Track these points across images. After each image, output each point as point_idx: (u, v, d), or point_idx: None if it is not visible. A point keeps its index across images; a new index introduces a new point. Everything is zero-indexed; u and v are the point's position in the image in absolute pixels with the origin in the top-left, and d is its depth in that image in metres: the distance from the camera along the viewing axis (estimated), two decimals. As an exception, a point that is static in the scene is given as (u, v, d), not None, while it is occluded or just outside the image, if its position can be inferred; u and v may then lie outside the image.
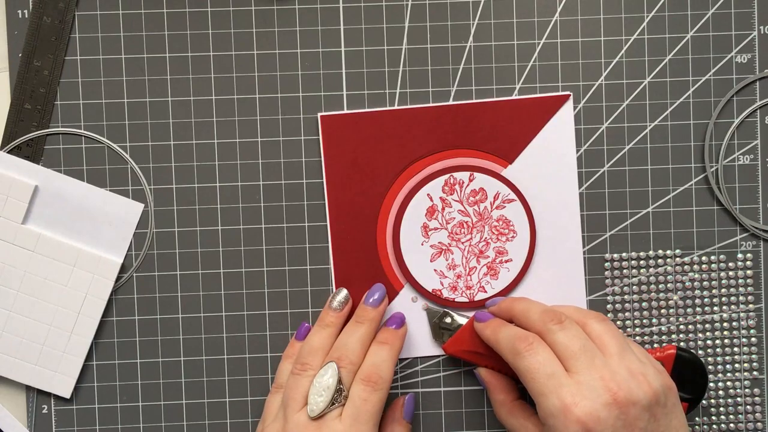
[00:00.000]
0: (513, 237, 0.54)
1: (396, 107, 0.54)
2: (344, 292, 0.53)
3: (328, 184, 0.54)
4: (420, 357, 0.55)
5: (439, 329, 0.54)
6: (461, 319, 0.54)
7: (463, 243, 0.54)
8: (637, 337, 0.55)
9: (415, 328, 0.55)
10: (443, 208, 0.54)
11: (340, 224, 0.54)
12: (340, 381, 0.48)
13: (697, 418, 0.55)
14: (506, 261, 0.54)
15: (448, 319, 0.54)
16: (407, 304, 0.55)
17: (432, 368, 0.55)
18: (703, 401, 0.55)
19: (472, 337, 0.52)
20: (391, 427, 0.52)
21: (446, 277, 0.54)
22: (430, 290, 0.54)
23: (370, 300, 0.52)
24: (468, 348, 0.53)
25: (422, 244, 0.54)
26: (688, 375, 0.51)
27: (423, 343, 0.55)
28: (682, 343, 0.55)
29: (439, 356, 0.55)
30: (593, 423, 0.43)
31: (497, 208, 0.54)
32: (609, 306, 0.55)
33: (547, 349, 0.46)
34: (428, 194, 0.54)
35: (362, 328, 0.51)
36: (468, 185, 0.54)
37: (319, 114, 0.54)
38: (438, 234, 0.54)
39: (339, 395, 0.47)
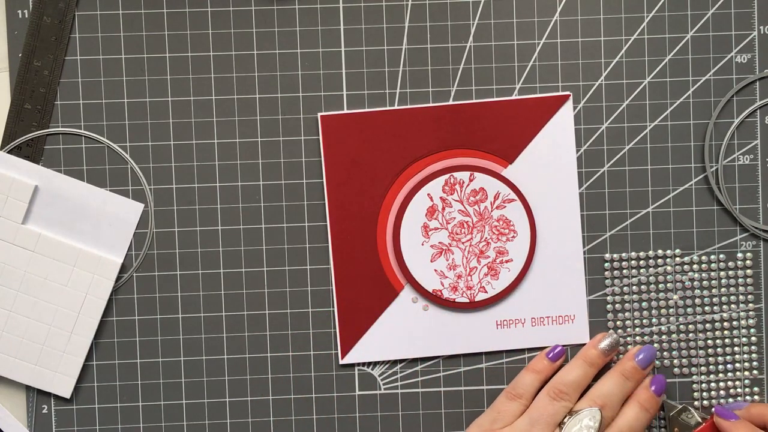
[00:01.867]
0: (513, 237, 0.54)
1: (396, 107, 0.54)
2: (615, 338, 0.53)
3: (328, 184, 0.54)
4: (420, 357, 0.55)
5: (677, 423, 0.53)
6: (698, 417, 0.52)
7: (463, 243, 0.54)
8: (638, 337, 0.55)
9: (416, 329, 0.55)
10: (443, 208, 0.54)
11: (340, 224, 0.54)
12: (601, 426, 0.50)
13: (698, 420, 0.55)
14: (507, 261, 0.54)
15: (687, 415, 0.53)
16: (408, 305, 0.55)
17: (432, 368, 0.55)
18: (704, 401, 0.55)
19: None
20: None
21: (447, 277, 0.54)
22: (431, 290, 0.54)
23: (639, 357, 0.53)
24: None
25: (422, 244, 0.54)
26: None
27: (423, 343, 0.55)
28: (682, 343, 0.55)
29: (439, 356, 0.55)
30: None
31: (497, 207, 0.54)
32: (609, 306, 0.55)
33: None
34: (428, 194, 0.54)
35: (629, 384, 0.52)
36: (468, 185, 0.54)
37: (319, 114, 0.54)
38: (438, 234, 0.54)
39: None
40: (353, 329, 0.55)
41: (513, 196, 0.54)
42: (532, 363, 0.54)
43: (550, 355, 0.53)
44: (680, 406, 0.53)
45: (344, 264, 0.54)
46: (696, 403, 0.55)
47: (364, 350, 0.55)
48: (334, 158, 0.54)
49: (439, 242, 0.54)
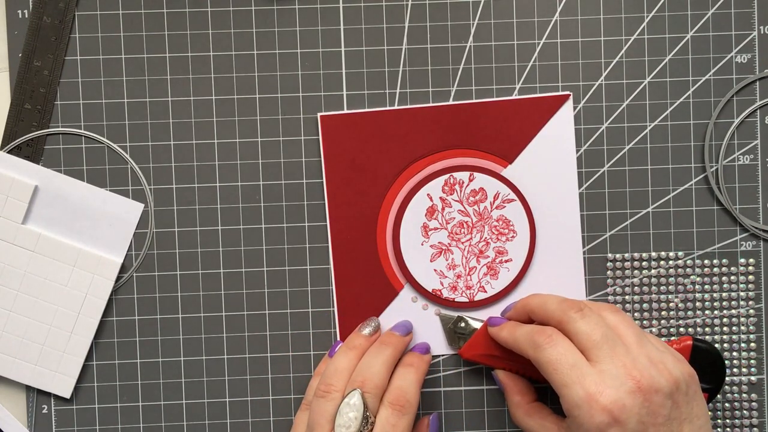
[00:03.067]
0: (513, 237, 0.54)
1: (396, 107, 0.54)
2: (377, 322, 0.53)
3: (328, 184, 0.54)
4: (420, 357, 0.55)
5: (454, 334, 0.54)
6: (475, 324, 0.54)
7: (463, 243, 0.54)
8: (637, 337, 0.55)
9: (417, 329, 0.55)
10: (443, 208, 0.54)
11: (340, 224, 0.54)
12: (366, 407, 0.47)
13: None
14: (506, 261, 0.54)
15: (462, 324, 0.54)
16: (407, 305, 0.55)
17: (432, 368, 0.55)
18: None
19: (488, 340, 0.52)
20: None
21: (446, 277, 0.54)
22: (430, 290, 0.54)
23: (398, 327, 0.52)
24: (484, 351, 0.53)
25: (422, 244, 0.54)
26: (706, 365, 0.50)
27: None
28: (682, 343, 0.55)
29: (439, 356, 0.55)
30: (619, 411, 0.43)
31: (497, 207, 0.54)
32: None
33: (566, 341, 0.46)
34: (428, 194, 0.54)
35: (387, 350, 0.50)
36: (468, 185, 0.54)
37: (319, 114, 0.54)
38: (438, 234, 0.54)
39: (366, 422, 0.46)
40: (353, 329, 0.55)
41: (513, 196, 0.54)
42: (317, 368, 0.54)
43: (330, 354, 0.53)
44: (455, 317, 0.54)
45: (344, 264, 0.54)
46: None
47: (364, 350, 0.55)
48: (334, 158, 0.54)
49: (439, 242, 0.54)
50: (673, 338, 0.54)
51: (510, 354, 0.51)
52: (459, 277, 0.54)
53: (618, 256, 0.55)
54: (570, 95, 0.54)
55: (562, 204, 0.54)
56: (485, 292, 0.54)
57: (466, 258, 0.54)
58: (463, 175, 0.54)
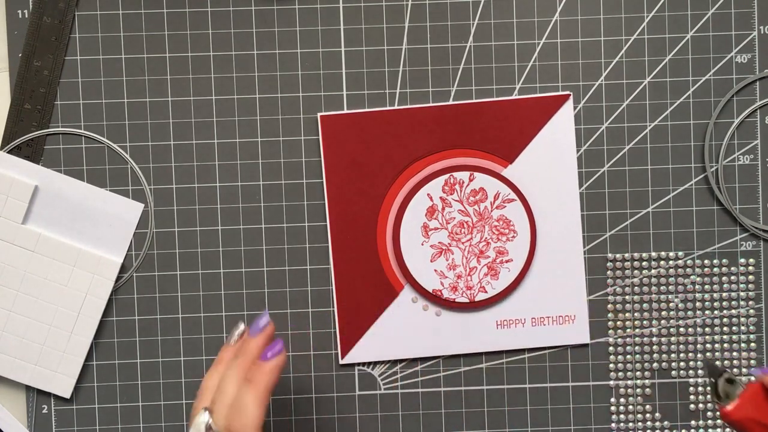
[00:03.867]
0: (513, 237, 0.54)
1: (396, 107, 0.54)
2: (240, 329, 0.49)
3: (328, 184, 0.54)
4: (420, 357, 0.55)
5: (719, 389, 0.48)
6: (741, 383, 0.48)
7: (463, 243, 0.54)
8: (637, 338, 0.55)
9: (416, 329, 0.55)
10: (443, 208, 0.54)
11: (340, 224, 0.54)
12: (210, 428, 0.45)
13: (700, 421, 0.55)
14: (507, 261, 0.54)
15: (728, 381, 0.48)
16: (408, 305, 0.55)
17: (432, 368, 0.55)
18: (700, 404, 0.55)
19: (762, 405, 0.47)
20: None
21: (446, 277, 0.54)
22: (431, 290, 0.54)
23: (252, 327, 0.48)
24: (757, 417, 0.47)
25: (422, 244, 0.54)
26: None
27: (423, 343, 0.55)
28: (681, 345, 0.55)
29: (439, 356, 0.55)
30: None
31: (497, 207, 0.54)
32: (610, 306, 0.55)
33: None
34: (428, 194, 0.54)
35: (239, 362, 0.47)
36: (468, 185, 0.54)
37: (319, 114, 0.54)
38: (438, 234, 0.54)
39: None
40: (353, 329, 0.55)
41: (513, 196, 0.54)
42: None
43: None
44: (724, 371, 0.48)
45: (344, 264, 0.54)
46: (692, 405, 0.55)
47: (364, 350, 0.55)
48: (334, 158, 0.54)
49: (439, 242, 0.54)
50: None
51: None
52: (459, 277, 0.54)
53: (618, 256, 0.55)
54: (570, 95, 0.54)
55: (563, 204, 0.54)
56: (486, 292, 0.54)
57: (466, 258, 0.54)
58: (463, 175, 0.54)
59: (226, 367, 0.47)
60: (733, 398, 0.47)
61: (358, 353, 0.55)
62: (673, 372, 0.55)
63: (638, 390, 0.55)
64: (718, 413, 0.55)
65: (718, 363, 0.52)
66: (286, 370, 0.55)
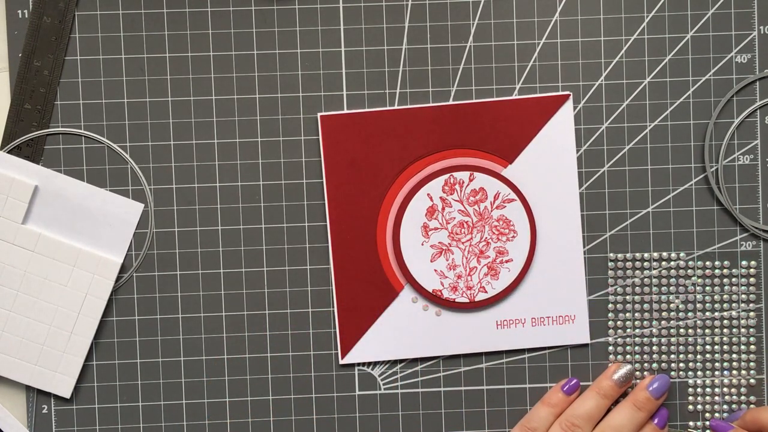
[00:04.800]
0: (513, 237, 0.54)
1: (396, 107, 0.54)
2: (629, 368, 0.53)
3: (328, 184, 0.54)
4: (420, 357, 0.55)
5: None
6: None
7: (463, 243, 0.54)
8: (637, 338, 0.55)
9: (416, 329, 0.55)
10: (443, 208, 0.54)
11: (340, 224, 0.54)
12: None
13: (698, 423, 0.55)
14: (507, 261, 0.54)
15: None
16: (407, 305, 0.55)
17: (432, 368, 0.55)
18: (699, 405, 0.55)
19: None
20: None
21: (446, 277, 0.54)
22: (431, 290, 0.54)
23: (652, 387, 0.52)
24: None
25: (422, 244, 0.54)
26: None
27: (423, 343, 0.55)
28: (681, 347, 0.55)
29: (438, 356, 0.55)
30: None
31: (497, 207, 0.54)
32: (610, 305, 0.55)
33: None
34: (428, 194, 0.54)
35: (640, 415, 0.51)
36: (468, 185, 0.54)
37: (319, 114, 0.54)
38: (438, 234, 0.54)
39: None
40: (353, 329, 0.55)
41: (513, 195, 0.54)
42: (546, 396, 0.53)
43: (565, 388, 0.53)
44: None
45: (344, 264, 0.54)
46: (690, 407, 0.55)
47: (364, 350, 0.55)
48: (334, 158, 0.54)
49: (439, 242, 0.54)
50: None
51: None
52: (459, 277, 0.54)
53: (618, 256, 0.55)
54: (570, 95, 0.54)
55: (563, 204, 0.54)
56: (486, 292, 0.54)
57: (466, 258, 0.54)
58: (463, 175, 0.54)
59: (622, 415, 0.51)
60: None
61: (358, 353, 0.55)
62: (673, 372, 0.55)
63: (638, 390, 0.55)
64: (717, 414, 0.55)
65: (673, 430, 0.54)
66: (286, 370, 0.55)
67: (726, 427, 0.51)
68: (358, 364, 0.55)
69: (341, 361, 0.55)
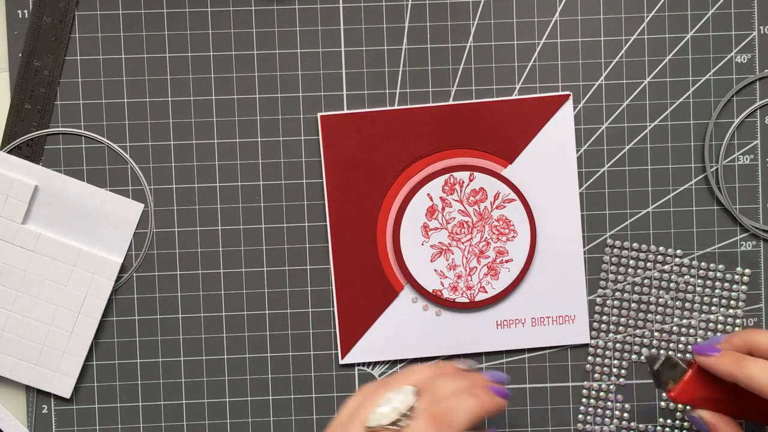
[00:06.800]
0: (513, 237, 0.54)
1: (396, 107, 0.54)
2: (473, 364, 0.50)
3: (328, 184, 0.54)
4: (420, 357, 0.55)
5: (662, 375, 0.48)
6: (683, 365, 0.48)
7: (463, 243, 0.54)
8: (637, 338, 0.55)
9: (416, 329, 0.55)
10: (443, 208, 0.54)
11: (340, 224, 0.54)
12: (412, 408, 0.43)
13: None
14: (507, 261, 0.54)
15: (669, 365, 0.48)
16: (408, 305, 0.55)
17: (432, 368, 0.55)
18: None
19: (703, 382, 0.47)
20: None
21: (447, 277, 0.54)
22: (431, 290, 0.54)
23: (490, 375, 0.48)
24: (701, 395, 0.47)
25: (422, 244, 0.54)
26: None
27: (423, 343, 0.55)
28: (681, 345, 0.55)
29: (439, 356, 0.55)
30: None
31: (497, 207, 0.54)
32: (609, 306, 0.55)
33: None
34: (428, 194, 0.54)
35: (463, 381, 0.45)
36: (468, 185, 0.54)
37: (319, 114, 0.54)
38: (438, 234, 0.54)
39: (403, 419, 0.43)
40: (353, 329, 0.55)
41: (513, 195, 0.54)
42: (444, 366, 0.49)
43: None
44: (664, 357, 0.48)
45: (344, 264, 0.54)
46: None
47: (364, 350, 0.55)
48: (334, 158, 0.54)
49: (439, 242, 0.54)
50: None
51: (728, 396, 0.47)
52: (459, 277, 0.54)
53: (617, 256, 0.55)
54: (570, 95, 0.54)
55: (563, 204, 0.54)
56: (486, 292, 0.54)
57: (466, 258, 0.54)
58: (463, 175, 0.54)
59: (448, 375, 0.46)
60: (677, 382, 0.47)
61: (358, 353, 0.55)
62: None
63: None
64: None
65: (654, 351, 0.52)
66: (286, 370, 0.55)
67: (711, 349, 0.47)
68: (358, 364, 0.55)
69: (341, 361, 0.55)
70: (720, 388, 0.47)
